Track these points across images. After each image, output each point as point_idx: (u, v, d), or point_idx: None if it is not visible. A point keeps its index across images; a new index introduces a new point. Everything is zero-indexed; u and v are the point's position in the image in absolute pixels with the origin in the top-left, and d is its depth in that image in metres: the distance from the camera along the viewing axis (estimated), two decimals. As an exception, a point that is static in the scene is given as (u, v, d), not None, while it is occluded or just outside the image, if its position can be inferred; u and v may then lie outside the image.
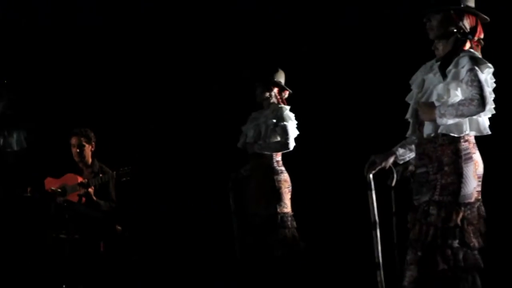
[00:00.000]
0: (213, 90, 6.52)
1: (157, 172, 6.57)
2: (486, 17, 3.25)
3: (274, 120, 5.13)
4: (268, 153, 5.13)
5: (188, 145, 6.66)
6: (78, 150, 6.01)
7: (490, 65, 3.16)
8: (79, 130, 6.04)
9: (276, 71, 5.22)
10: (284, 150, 5.13)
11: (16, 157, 5.77)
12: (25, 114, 6.31)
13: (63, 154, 6.13)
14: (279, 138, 5.12)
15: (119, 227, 5.97)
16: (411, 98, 3.39)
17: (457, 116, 3.07)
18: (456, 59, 3.15)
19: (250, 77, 5.29)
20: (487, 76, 3.14)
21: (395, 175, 3.47)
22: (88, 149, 6.05)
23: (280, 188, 5.09)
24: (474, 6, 3.25)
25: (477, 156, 3.99)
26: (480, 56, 3.21)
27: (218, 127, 6.13)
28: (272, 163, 5.15)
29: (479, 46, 3.79)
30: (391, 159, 3.41)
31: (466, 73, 3.08)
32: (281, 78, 5.23)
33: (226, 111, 6.07)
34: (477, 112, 3.06)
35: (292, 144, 5.10)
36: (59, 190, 5.87)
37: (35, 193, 5.94)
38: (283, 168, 5.17)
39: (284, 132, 5.08)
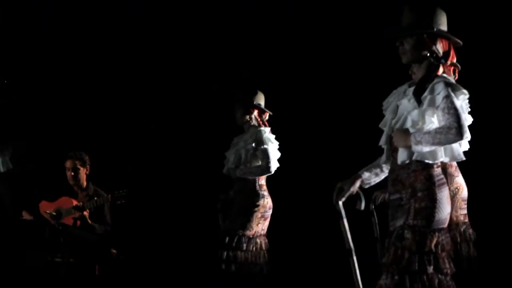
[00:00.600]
0: (208, 108, 6.53)
1: (151, 195, 6.57)
2: (458, 40, 3.22)
3: (253, 144, 5.12)
4: (250, 177, 5.12)
5: (182, 169, 6.65)
6: (73, 173, 6.02)
7: (465, 91, 3.12)
8: (74, 153, 6.05)
9: (255, 93, 5.21)
10: (266, 173, 5.10)
11: (3, 179, 5.78)
12: (8, 135, 6.35)
13: (58, 177, 6.14)
14: (260, 162, 5.10)
15: (114, 251, 5.96)
16: (384, 124, 3.33)
17: (434, 144, 3.02)
18: (431, 85, 3.10)
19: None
20: (462, 102, 3.10)
21: (363, 199, 3.40)
22: (83, 172, 6.07)
23: (254, 211, 5.07)
24: (446, 29, 3.22)
25: (460, 180, 4.00)
26: (454, 81, 3.18)
27: (212, 149, 6.13)
28: (255, 187, 5.13)
29: (456, 71, 3.79)
30: (358, 183, 3.36)
31: (442, 100, 3.03)
32: (260, 100, 5.23)
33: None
34: (455, 141, 3.01)
35: (274, 167, 5.08)
36: (54, 213, 5.87)
37: (30, 216, 5.95)
38: (265, 193, 5.15)
39: (265, 156, 5.06)
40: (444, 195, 3.10)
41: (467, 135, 3.00)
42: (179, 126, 6.70)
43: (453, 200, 3.93)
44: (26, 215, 6.00)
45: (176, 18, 6.66)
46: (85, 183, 6.09)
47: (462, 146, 3.81)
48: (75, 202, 5.90)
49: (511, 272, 5.08)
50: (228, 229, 5.07)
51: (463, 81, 3.73)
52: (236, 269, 4.98)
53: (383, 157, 3.32)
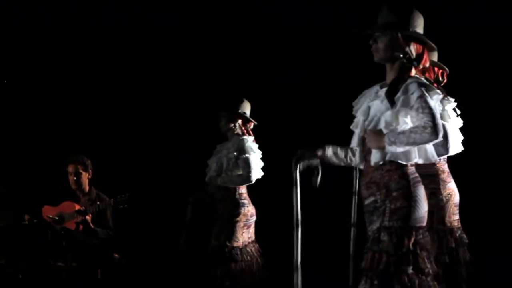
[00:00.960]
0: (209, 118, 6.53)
1: (154, 199, 6.57)
2: (433, 45, 3.17)
3: (235, 153, 5.07)
4: (231, 186, 5.09)
5: (185, 173, 6.65)
6: (75, 178, 6.03)
7: (438, 91, 3.08)
8: (76, 157, 6.06)
9: (241, 101, 5.18)
10: (247, 183, 5.06)
11: None
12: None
13: (60, 182, 6.15)
14: (241, 171, 5.05)
15: (116, 255, 5.97)
16: (356, 126, 3.28)
17: (408, 144, 2.96)
18: (404, 85, 3.06)
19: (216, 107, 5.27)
20: (436, 103, 3.05)
21: (319, 175, 3.28)
22: (85, 177, 6.07)
23: (236, 221, 5.03)
24: (422, 33, 3.17)
25: (452, 185, 3.98)
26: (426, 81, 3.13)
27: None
28: (235, 195, 5.09)
29: (444, 74, 3.77)
30: (319, 153, 3.28)
31: (416, 99, 2.98)
32: (246, 109, 5.19)
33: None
34: (430, 140, 2.95)
35: (254, 177, 5.03)
36: (56, 217, 5.88)
37: (32, 221, 5.96)
38: (245, 201, 5.11)
39: (247, 165, 5.01)
40: (420, 193, 3.04)
41: (442, 135, 2.94)
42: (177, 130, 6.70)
43: (446, 206, 3.92)
44: (28, 220, 6.01)
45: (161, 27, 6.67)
46: (87, 188, 6.10)
47: (455, 148, 3.84)
48: (77, 207, 5.91)
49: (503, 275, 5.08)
50: (216, 244, 5.04)
51: (453, 85, 3.73)
52: (232, 284, 4.97)
53: (357, 159, 3.25)
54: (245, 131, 5.20)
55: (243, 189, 5.12)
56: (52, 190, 6.20)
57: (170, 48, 6.70)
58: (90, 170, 6.09)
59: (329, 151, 3.29)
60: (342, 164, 3.33)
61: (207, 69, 6.53)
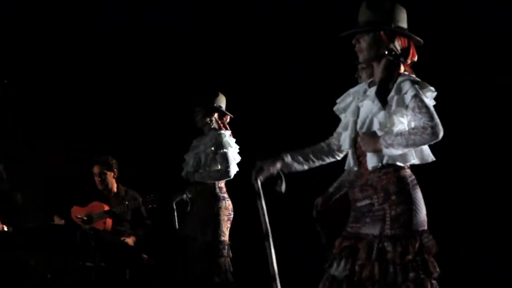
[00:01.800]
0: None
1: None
2: (419, 39, 3.03)
3: (213, 148, 5.03)
4: (209, 181, 5.05)
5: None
6: (99, 179, 6.06)
7: (432, 88, 2.94)
8: (99, 158, 6.09)
9: (217, 95, 5.14)
10: (225, 178, 5.03)
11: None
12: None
13: (87, 183, 6.18)
14: (219, 166, 5.02)
15: (145, 255, 5.96)
16: (346, 127, 3.14)
17: (408, 145, 2.84)
18: (396, 84, 2.93)
19: (191, 102, 5.19)
20: (430, 100, 2.92)
21: (283, 181, 3.22)
22: (111, 177, 6.09)
23: (219, 215, 5.00)
24: (406, 26, 3.04)
25: None
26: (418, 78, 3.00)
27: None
28: (215, 189, 5.07)
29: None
30: (278, 165, 3.21)
31: (411, 99, 2.86)
32: (221, 102, 5.15)
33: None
34: (431, 141, 2.82)
35: (233, 172, 4.99)
36: (85, 218, 5.91)
37: (61, 221, 6.01)
38: (225, 195, 5.09)
39: (225, 160, 4.98)
40: (419, 196, 2.95)
41: (442, 134, 2.81)
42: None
43: None
44: (57, 220, 6.06)
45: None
46: (114, 187, 6.13)
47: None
48: (106, 207, 5.94)
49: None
50: (203, 240, 5.02)
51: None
52: (220, 280, 4.94)
53: (351, 162, 3.10)
54: (221, 125, 5.17)
55: (222, 183, 5.11)
56: (81, 191, 6.24)
57: (171, 49, 6.70)
58: (115, 170, 6.10)
59: (288, 158, 3.22)
60: (306, 167, 3.26)
61: (206, 69, 6.49)
